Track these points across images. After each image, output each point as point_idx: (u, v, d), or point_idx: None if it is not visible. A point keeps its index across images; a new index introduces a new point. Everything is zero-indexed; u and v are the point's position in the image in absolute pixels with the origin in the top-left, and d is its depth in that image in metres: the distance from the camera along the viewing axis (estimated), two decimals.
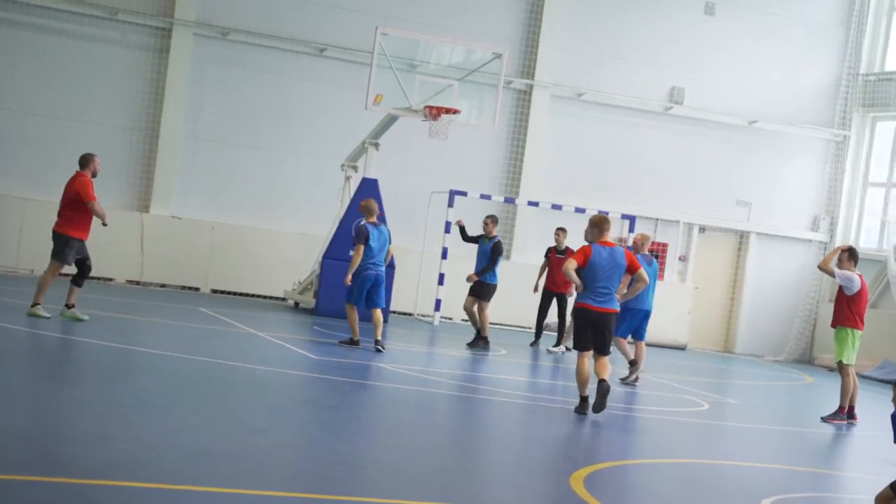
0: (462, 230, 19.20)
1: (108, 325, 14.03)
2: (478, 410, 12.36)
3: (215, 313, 18.53)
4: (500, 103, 20.47)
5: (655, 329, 24.34)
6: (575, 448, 10.99)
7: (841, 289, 14.36)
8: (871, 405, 16.67)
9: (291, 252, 22.78)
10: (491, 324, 18.77)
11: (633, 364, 15.89)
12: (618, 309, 12.24)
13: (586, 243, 12.23)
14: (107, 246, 19.78)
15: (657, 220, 25.70)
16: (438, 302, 22.04)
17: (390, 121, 20.14)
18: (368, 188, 20.47)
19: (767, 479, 9.46)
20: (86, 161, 14.89)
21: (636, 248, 16.18)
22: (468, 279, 18.33)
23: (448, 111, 19.21)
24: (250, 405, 10.50)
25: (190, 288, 22.59)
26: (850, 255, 14.46)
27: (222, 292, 22.74)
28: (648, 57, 25.47)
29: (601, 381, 11.89)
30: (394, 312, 22.07)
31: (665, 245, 25.80)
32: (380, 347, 15.55)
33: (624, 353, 16.08)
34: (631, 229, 23.40)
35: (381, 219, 16.89)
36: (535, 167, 24.85)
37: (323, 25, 23.49)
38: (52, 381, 10.59)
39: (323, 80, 23.54)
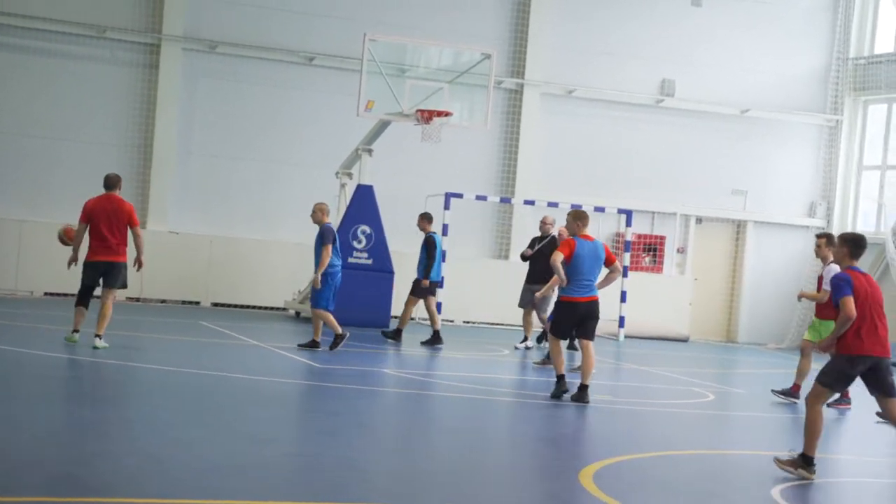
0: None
1: (112, 342, 14.04)
2: (481, 411, 12.34)
3: (217, 326, 18.53)
4: (491, 104, 20.49)
5: (657, 322, 24.46)
6: (582, 444, 11.00)
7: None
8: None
9: (290, 262, 22.73)
10: (493, 324, 18.71)
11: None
12: (598, 296, 12.82)
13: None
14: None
15: (654, 213, 25.70)
16: (438, 305, 21.98)
17: (382, 126, 20.13)
18: (364, 195, 20.46)
19: (777, 468, 9.47)
20: (120, 183, 14.30)
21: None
22: (421, 284, 18.29)
23: (440, 114, 19.22)
24: (256, 416, 10.49)
25: (190, 302, 22.59)
26: (828, 242, 14.21)
27: (223, 305, 22.74)
28: (638, 51, 25.48)
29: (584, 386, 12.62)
30: (394, 317, 22.04)
31: (663, 237, 25.82)
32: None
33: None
34: (628, 223, 23.41)
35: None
36: (530, 166, 24.85)
37: (311, 34, 23.49)
38: (58, 402, 10.58)
39: (313, 89, 23.54)
